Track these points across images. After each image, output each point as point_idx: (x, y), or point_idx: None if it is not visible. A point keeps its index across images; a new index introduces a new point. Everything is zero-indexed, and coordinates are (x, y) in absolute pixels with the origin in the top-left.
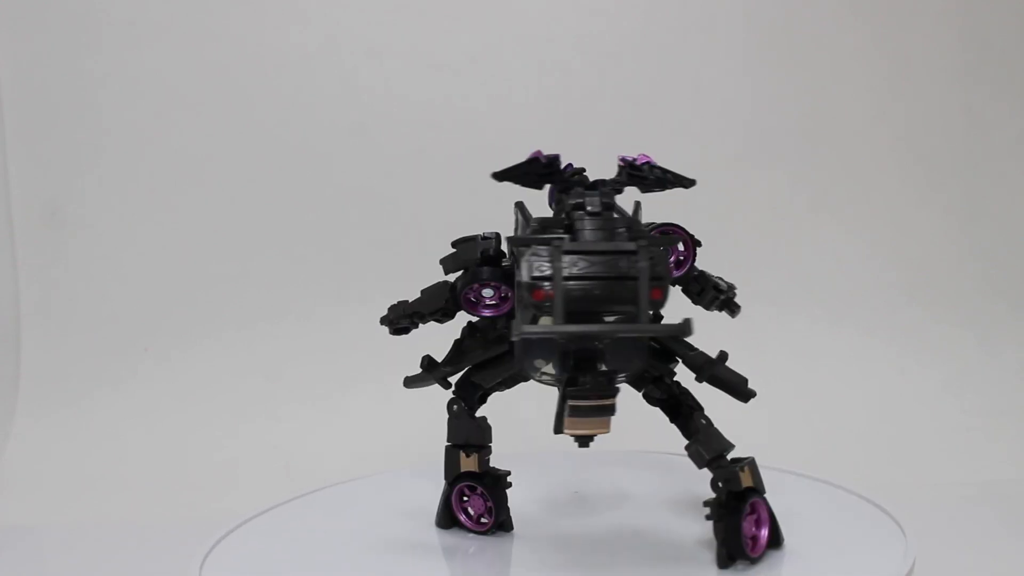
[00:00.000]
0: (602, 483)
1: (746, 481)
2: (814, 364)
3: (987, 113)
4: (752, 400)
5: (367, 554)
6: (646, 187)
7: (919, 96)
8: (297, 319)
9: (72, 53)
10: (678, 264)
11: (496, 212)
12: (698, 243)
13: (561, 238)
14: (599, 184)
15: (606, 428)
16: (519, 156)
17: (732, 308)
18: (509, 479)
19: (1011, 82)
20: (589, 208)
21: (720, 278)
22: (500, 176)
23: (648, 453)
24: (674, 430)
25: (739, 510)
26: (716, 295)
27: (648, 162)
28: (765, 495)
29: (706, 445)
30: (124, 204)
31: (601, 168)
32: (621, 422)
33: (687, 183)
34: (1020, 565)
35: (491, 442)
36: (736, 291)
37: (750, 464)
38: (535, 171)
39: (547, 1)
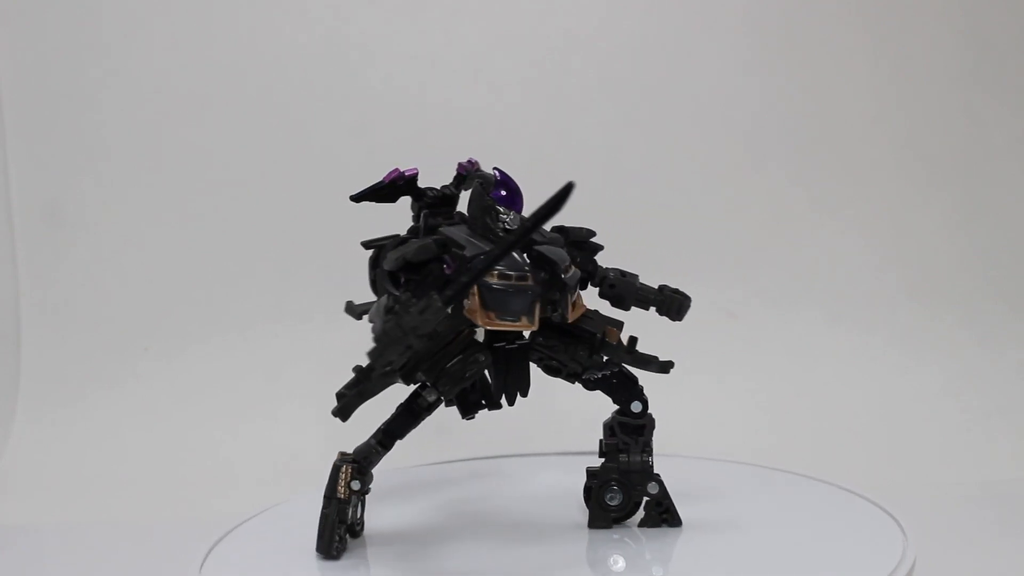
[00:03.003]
0: None
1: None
2: (814, 364)
3: (987, 113)
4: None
5: (368, 554)
6: None
7: (919, 96)
8: (297, 319)
9: (72, 53)
10: None
11: None
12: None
13: None
14: None
15: None
16: (518, 155)
17: None
18: None
19: (1011, 82)
20: None
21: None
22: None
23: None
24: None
25: None
26: None
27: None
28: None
29: None
30: (124, 204)
31: (601, 167)
32: None
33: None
34: (1020, 565)
35: None
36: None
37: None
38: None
39: (548, 1)
